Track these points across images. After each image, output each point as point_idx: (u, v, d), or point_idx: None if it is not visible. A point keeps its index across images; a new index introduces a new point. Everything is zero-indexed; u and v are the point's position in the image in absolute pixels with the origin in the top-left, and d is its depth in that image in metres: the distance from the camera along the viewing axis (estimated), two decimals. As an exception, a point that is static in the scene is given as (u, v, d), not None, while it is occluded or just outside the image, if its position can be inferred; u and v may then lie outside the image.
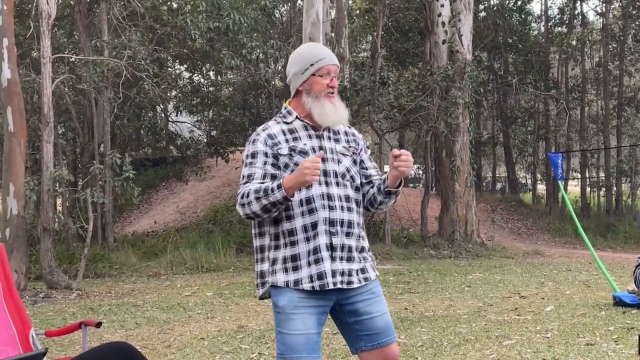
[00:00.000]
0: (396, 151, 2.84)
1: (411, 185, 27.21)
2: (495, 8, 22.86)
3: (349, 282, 2.85)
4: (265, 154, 2.86)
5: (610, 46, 22.11)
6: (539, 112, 23.45)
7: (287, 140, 2.88)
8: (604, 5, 22.19)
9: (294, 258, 2.82)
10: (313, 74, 2.89)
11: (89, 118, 14.31)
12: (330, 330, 5.97)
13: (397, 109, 14.89)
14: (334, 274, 2.80)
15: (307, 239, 2.81)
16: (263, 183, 2.79)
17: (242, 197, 2.79)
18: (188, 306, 8.12)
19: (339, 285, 2.81)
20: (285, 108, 2.99)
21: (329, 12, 16.84)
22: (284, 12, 22.75)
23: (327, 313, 2.90)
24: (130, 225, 19.57)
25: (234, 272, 11.66)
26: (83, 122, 14.65)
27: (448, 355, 5.29)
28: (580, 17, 23.83)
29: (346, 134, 3.04)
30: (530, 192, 26.96)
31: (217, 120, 20.05)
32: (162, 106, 18.07)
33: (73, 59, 13.46)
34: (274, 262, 2.85)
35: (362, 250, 2.94)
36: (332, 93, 2.91)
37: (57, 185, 10.42)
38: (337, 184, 2.89)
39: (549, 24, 24.89)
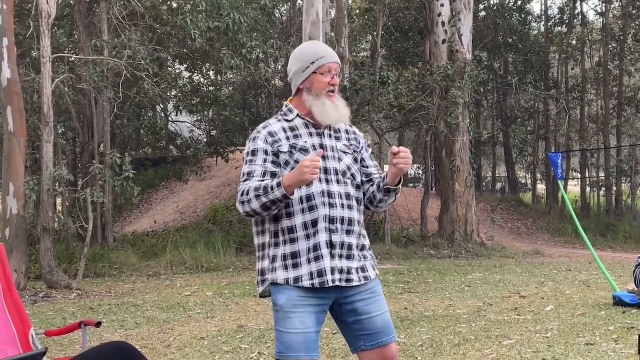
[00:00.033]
0: (395, 148, 2.84)
1: (411, 185, 27.21)
2: (495, 8, 22.86)
3: (348, 280, 2.84)
4: (266, 152, 2.85)
5: (610, 46, 22.11)
6: (539, 112, 23.45)
7: (287, 138, 2.87)
8: (604, 5, 22.19)
9: (294, 255, 2.81)
10: (314, 72, 2.89)
11: (89, 118, 14.30)
12: (330, 330, 5.96)
13: (397, 109, 14.89)
14: (333, 271, 2.80)
15: (307, 237, 2.80)
16: (263, 181, 2.79)
17: (242, 195, 2.79)
18: (188, 306, 8.12)
19: (337, 283, 2.80)
20: (287, 106, 2.99)
21: (329, 12, 16.84)
22: (284, 12, 22.74)
23: (326, 312, 2.89)
24: (130, 225, 19.55)
25: (234, 272, 11.66)
26: (83, 122, 14.64)
27: (448, 355, 5.28)
28: (580, 17, 23.84)
29: (347, 132, 3.03)
30: (530, 192, 26.96)
31: (217, 120, 20.06)
32: (162, 106, 18.08)
33: (73, 59, 13.46)
34: (274, 259, 2.85)
35: (362, 248, 2.93)
36: (333, 91, 2.91)
37: (57, 185, 10.42)
38: (338, 181, 2.88)
39: (549, 24, 24.90)
